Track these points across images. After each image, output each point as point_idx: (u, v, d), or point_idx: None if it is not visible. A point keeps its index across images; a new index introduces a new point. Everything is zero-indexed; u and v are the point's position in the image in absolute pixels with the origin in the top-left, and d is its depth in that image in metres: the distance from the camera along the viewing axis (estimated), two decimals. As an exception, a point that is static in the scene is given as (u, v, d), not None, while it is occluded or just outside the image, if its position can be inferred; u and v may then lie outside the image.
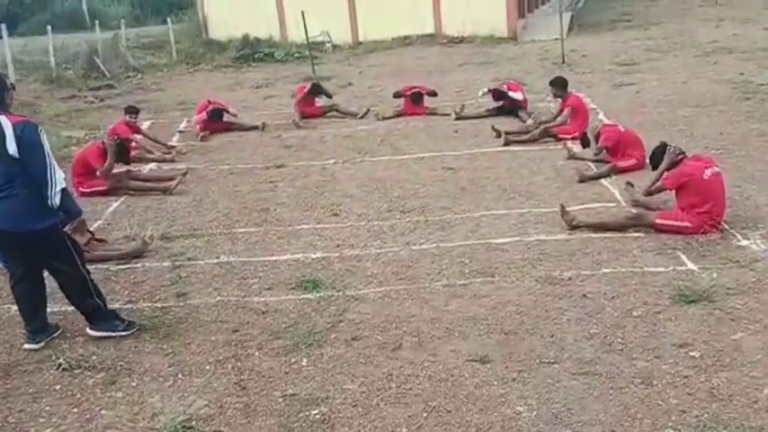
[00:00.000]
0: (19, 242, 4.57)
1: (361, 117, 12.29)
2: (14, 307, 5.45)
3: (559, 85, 10.04)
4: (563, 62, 16.80)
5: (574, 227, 6.32)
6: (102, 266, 6.18)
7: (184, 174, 8.92)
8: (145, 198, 8.27)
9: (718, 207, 6.11)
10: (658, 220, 6.19)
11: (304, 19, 17.45)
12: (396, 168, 8.95)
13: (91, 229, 4.73)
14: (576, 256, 5.79)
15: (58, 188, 4.36)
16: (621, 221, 6.36)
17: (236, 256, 6.32)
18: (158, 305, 5.37)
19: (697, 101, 11.43)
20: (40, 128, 4.45)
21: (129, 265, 6.19)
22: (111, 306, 5.13)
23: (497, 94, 11.65)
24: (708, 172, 6.11)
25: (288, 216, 7.36)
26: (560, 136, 9.66)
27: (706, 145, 8.66)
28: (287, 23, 26.11)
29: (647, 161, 7.05)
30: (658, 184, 6.43)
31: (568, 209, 6.54)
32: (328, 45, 24.50)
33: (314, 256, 6.20)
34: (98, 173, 8.28)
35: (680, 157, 6.36)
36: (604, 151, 8.29)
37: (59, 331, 4.93)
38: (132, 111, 10.44)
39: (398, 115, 12.12)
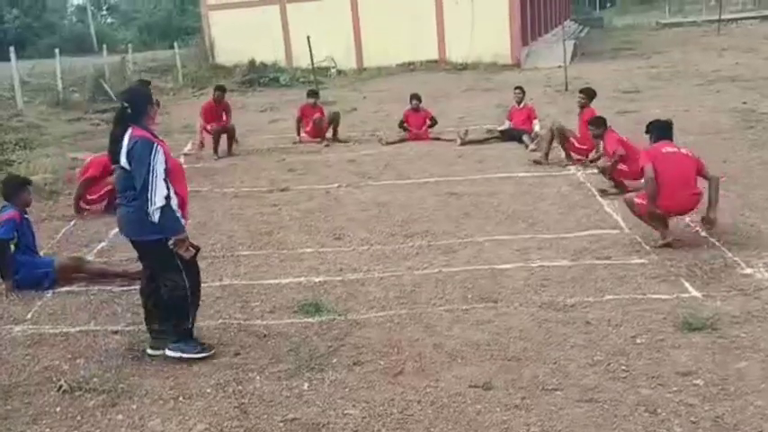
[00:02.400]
0: (137, 248, 4.84)
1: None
2: (17, 327, 5.46)
3: (591, 97, 10.21)
4: (566, 89, 16.89)
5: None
6: (105, 288, 6.19)
7: None
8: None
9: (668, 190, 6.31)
10: (636, 199, 6.58)
11: (309, 44, 17.61)
12: (399, 193, 8.96)
13: (195, 244, 4.85)
14: (579, 282, 5.78)
15: (157, 206, 4.46)
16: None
17: (238, 279, 6.32)
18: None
19: (700, 129, 11.47)
20: (155, 145, 4.53)
21: (131, 287, 6.17)
22: (112, 327, 5.12)
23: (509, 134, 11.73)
24: (668, 149, 6.50)
25: (291, 239, 7.36)
26: (577, 145, 9.93)
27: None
28: (292, 49, 26.40)
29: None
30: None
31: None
32: (333, 70, 24.71)
33: (316, 279, 6.20)
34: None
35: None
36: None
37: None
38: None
39: (402, 140, 12.18)
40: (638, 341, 4.73)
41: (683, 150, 6.61)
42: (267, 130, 14.65)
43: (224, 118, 12.34)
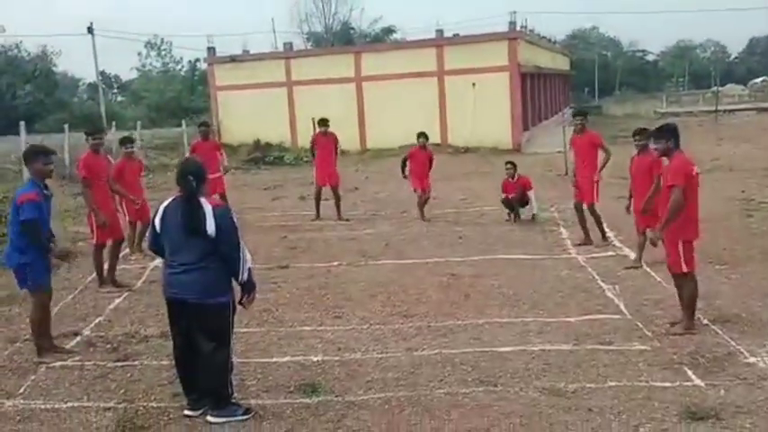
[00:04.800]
0: (190, 313, 4.86)
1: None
2: (8, 402, 5.35)
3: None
4: (566, 173, 17.10)
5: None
6: (100, 362, 6.11)
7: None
8: (147, 295, 8.25)
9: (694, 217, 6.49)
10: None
11: (314, 125, 17.94)
12: (400, 273, 8.95)
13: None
14: (581, 367, 5.69)
15: (248, 265, 4.89)
16: None
17: (235, 357, 6.18)
18: (154, 404, 5.25)
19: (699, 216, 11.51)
20: (233, 211, 5.01)
21: (126, 363, 6.11)
22: (105, 404, 5.02)
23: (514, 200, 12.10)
24: (696, 171, 6.34)
25: (289, 317, 7.30)
26: None
27: (710, 260, 8.66)
28: (297, 129, 26.93)
29: None
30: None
31: None
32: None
33: (314, 358, 6.12)
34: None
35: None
36: None
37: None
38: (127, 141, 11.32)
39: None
40: (641, 430, 4.62)
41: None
42: (270, 207, 14.76)
43: (219, 157, 12.24)
